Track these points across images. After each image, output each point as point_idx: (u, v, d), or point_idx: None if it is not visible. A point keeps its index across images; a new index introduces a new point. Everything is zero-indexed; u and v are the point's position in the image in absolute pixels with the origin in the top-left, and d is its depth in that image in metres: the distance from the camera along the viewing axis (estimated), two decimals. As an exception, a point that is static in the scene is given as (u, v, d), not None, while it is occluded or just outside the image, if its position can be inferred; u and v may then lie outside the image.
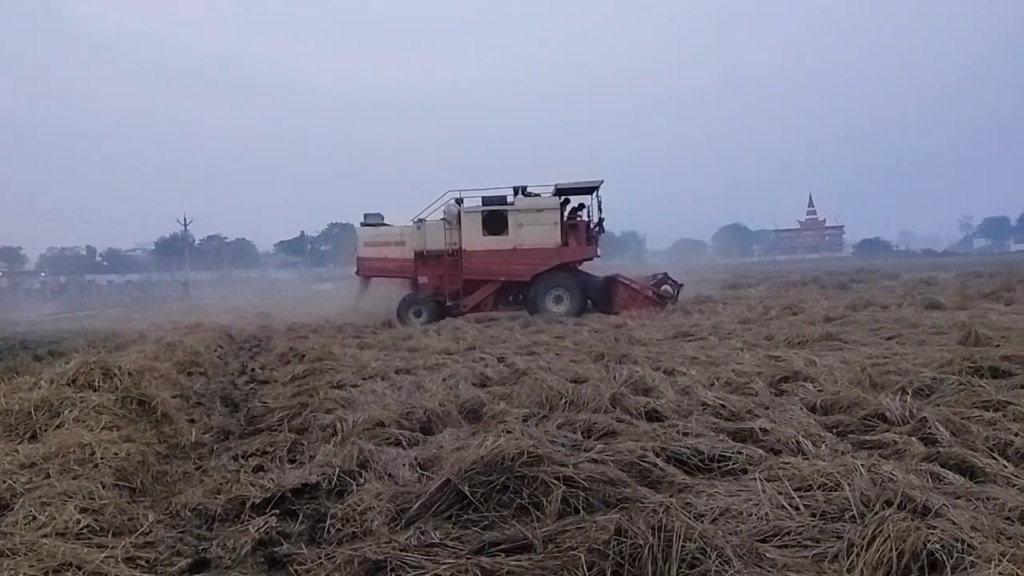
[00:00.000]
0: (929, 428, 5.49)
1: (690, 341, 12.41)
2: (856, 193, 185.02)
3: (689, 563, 3.17)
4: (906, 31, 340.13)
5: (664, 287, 21.47)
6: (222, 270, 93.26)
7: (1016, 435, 5.18)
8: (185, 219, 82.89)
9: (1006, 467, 4.64)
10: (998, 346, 9.15)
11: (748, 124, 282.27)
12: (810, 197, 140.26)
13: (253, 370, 11.78)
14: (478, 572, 3.35)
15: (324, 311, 23.65)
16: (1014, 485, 4.33)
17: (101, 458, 5.28)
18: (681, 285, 21.99)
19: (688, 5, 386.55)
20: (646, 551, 3.22)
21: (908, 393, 6.59)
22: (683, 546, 3.22)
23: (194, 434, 6.93)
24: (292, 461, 5.80)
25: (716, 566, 3.14)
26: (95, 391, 6.88)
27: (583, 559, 3.30)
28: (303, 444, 6.24)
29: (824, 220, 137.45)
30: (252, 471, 5.52)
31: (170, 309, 34.46)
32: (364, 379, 9.26)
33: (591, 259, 21.86)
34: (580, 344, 12.49)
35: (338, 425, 6.55)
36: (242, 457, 6.03)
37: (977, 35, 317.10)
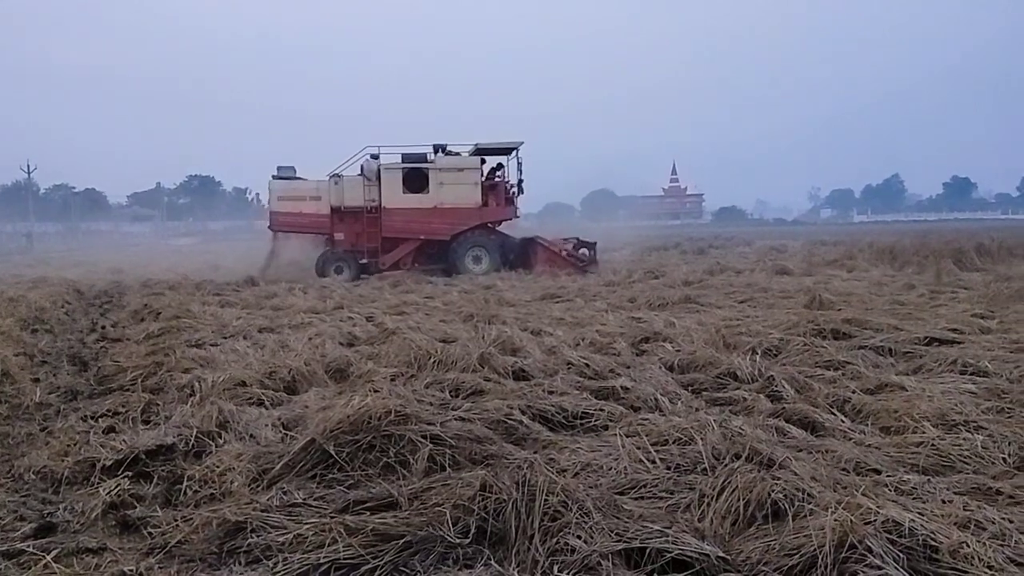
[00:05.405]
0: (776, 386, 5.83)
1: (557, 303, 12.66)
2: (716, 163, 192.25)
3: (551, 516, 3.25)
4: (765, 7, 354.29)
5: (581, 250, 21.69)
6: (70, 222, 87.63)
7: (853, 392, 5.59)
8: (28, 166, 77.48)
9: (844, 422, 4.99)
10: (839, 310, 9.78)
11: (617, 95, 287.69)
12: (674, 165, 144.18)
13: (104, 328, 11.16)
14: (342, 530, 3.32)
15: (182, 267, 22.70)
16: (850, 439, 4.66)
17: (-68, 419, 4.91)
18: (595, 243, 22.02)
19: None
20: (510, 505, 3.29)
21: (758, 353, 6.96)
22: (546, 500, 3.30)
23: (39, 394, 6.52)
24: (146, 422, 5.55)
25: (577, 518, 3.23)
26: (-76, 348, 6.36)
27: (448, 514, 3.33)
28: (158, 404, 5.97)
29: (686, 188, 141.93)
30: (103, 432, 5.23)
31: (12, 263, 32.19)
32: (225, 338, 8.94)
33: (510, 219, 22.01)
34: (450, 304, 12.52)
35: (196, 385, 6.29)
36: (92, 418, 5.71)
37: (834, 13, 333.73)
